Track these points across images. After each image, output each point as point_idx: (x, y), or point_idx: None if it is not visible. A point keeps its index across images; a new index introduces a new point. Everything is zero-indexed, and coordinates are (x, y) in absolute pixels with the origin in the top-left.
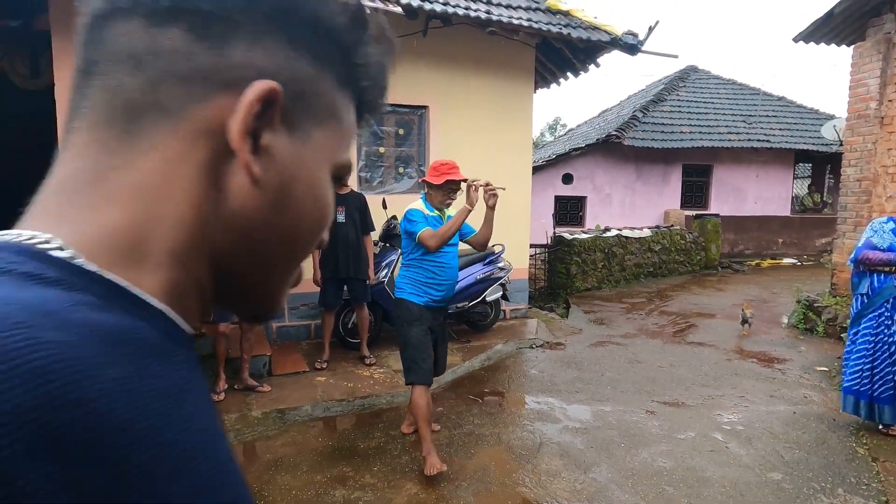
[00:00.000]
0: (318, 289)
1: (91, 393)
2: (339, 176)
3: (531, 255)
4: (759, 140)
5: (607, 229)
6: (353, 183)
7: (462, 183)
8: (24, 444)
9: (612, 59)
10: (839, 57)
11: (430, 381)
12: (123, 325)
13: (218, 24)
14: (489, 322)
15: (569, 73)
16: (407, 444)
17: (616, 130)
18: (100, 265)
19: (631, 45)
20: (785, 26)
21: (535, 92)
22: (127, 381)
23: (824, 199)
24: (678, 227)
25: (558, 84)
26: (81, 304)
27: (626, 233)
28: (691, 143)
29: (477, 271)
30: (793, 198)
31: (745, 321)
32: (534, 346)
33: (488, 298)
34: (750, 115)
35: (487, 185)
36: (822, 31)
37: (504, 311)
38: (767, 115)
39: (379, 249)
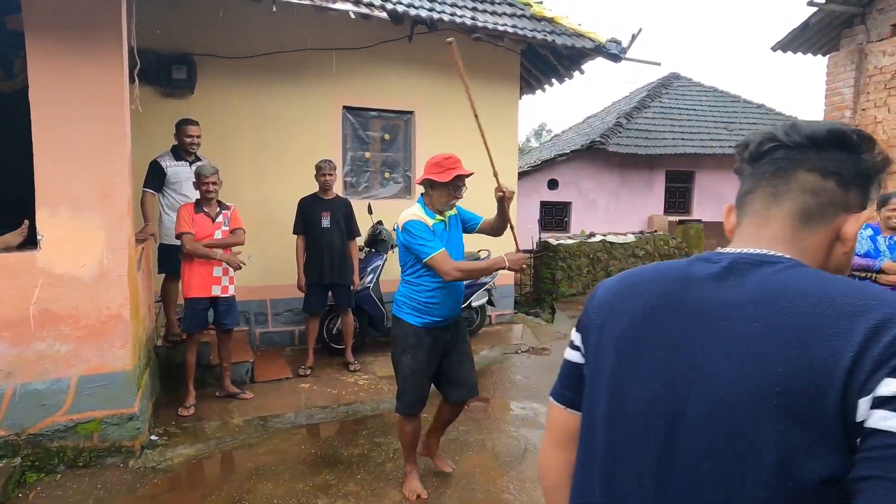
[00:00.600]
0: (303, 294)
1: None
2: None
3: None
4: None
5: (592, 235)
6: (338, 188)
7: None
8: None
9: (596, 66)
10: (816, 66)
11: (416, 413)
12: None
13: (848, 181)
14: (475, 328)
15: (554, 80)
16: (391, 452)
17: (600, 136)
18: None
19: (614, 53)
20: (764, 35)
21: (520, 98)
22: None
23: None
24: (662, 233)
25: (543, 90)
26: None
27: (610, 238)
28: (674, 150)
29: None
30: None
31: None
32: (519, 351)
33: (474, 304)
34: (731, 122)
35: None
36: (799, 40)
37: (489, 316)
38: (748, 123)
39: (364, 255)
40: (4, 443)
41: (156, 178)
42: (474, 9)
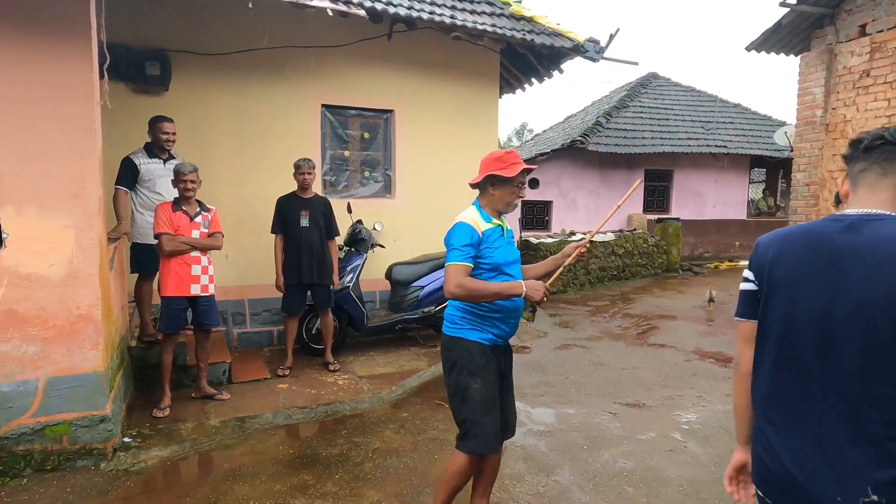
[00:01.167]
0: (281, 294)
1: None
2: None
3: None
4: (717, 146)
5: (573, 233)
6: (317, 187)
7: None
8: None
9: (575, 66)
10: (790, 66)
11: (498, 450)
12: None
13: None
14: None
15: (533, 79)
16: (370, 452)
17: (581, 136)
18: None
19: (592, 53)
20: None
21: (500, 97)
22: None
23: (777, 202)
24: (641, 231)
25: (523, 89)
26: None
27: None
28: (653, 149)
29: (443, 275)
30: (749, 202)
31: (711, 300)
32: None
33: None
34: (708, 122)
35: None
36: (772, 41)
37: None
38: (724, 122)
39: (344, 254)
40: None
41: (129, 176)
42: (453, 7)
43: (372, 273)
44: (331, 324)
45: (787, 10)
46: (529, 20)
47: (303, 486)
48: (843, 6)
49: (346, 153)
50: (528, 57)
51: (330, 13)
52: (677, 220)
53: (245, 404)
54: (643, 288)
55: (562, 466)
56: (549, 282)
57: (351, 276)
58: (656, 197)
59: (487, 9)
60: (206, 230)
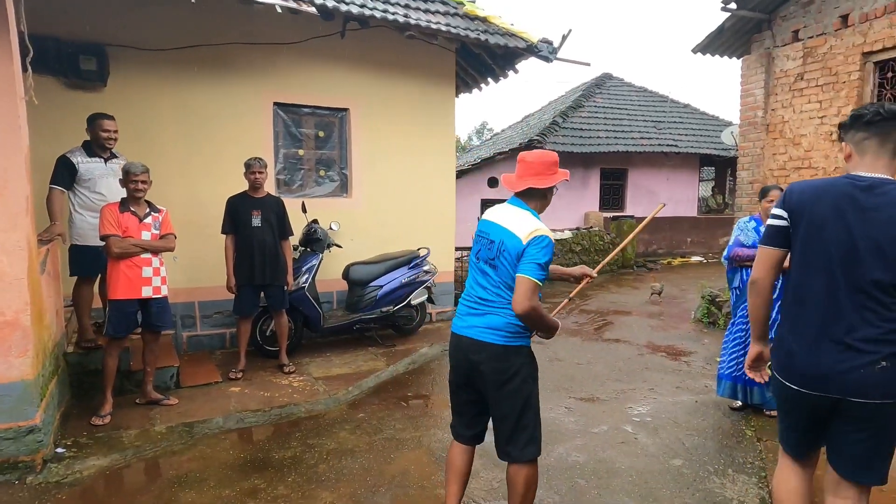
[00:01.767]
0: (233, 296)
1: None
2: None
3: (457, 258)
4: (668, 145)
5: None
6: (270, 186)
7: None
8: None
9: (532, 66)
10: (735, 67)
11: None
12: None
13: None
14: (414, 326)
15: (489, 79)
16: (324, 453)
17: (538, 135)
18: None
19: (545, 53)
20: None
21: (457, 96)
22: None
23: (726, 200)
24: (597, 229)
25: (479, 89)
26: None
27: None
28: (607, 148)
29: (402, 275)
30: (699, 199)
31: (657, 292)
32: None
33: (413, 302)
34: (660, 122)
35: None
36: (716, 44)
37: (430, 314)
38: (675, 122)
39: (299, 254)
40: None
41: (65, 174)
42: (407, 6)
43: (329, 273)
44: (285, 325)
45: (729, 14)
46: (484, 20)
47: (253, 490)
48: (779, 12)
49: (301, 152)
50: (483, 57)
51: (279, 10)
52: (632, 217)
53: (194, 409)
54: (599, 284)
55: None
56: (554, 312)
57: (307, 276)
58: (611, 195)
59: (441, 8)
60: (157, 231)
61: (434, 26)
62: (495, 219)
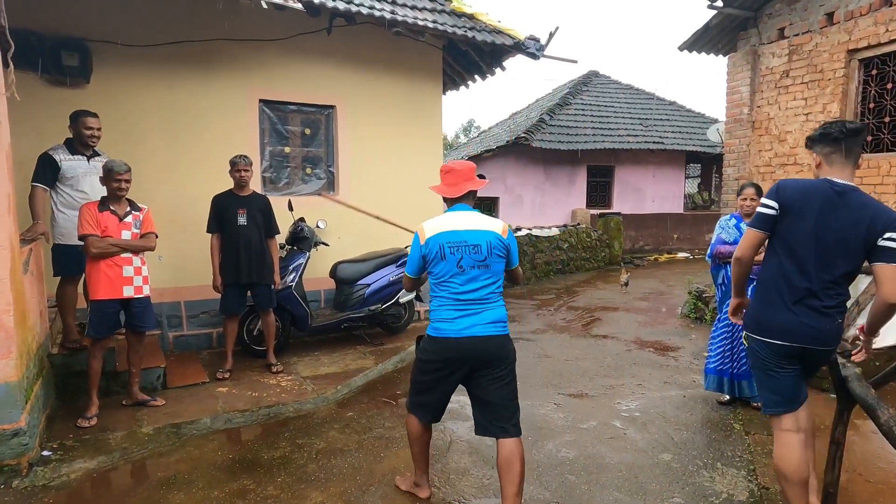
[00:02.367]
0: (219, 295)
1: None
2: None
3: None
4: (654, 142)
5: (518, 229)
6: (256, 184)
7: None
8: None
9: (519, 63)
10: (721, 65)
11: None
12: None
13: (860, 149)
14: (402, 324)
15: (476, 76)
16: (314, 452)
17: (525, 132)
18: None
19: (533, 50)
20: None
21: (444, 93)
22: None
23: (712, 196)
24: (584, 226)
25: (467, 86)
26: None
27: (536, 232)
28: (594, 145)
29: (390, 273)
30: (685, 196)
31: (623, 283)
32: None
33: (401, 300)
34: (646, 119)
35: None
36: (702, 41)
37: (418, 311)
38: (661, 119)
39: (286, 253)
40: None
41: (48, 172)
42: (394, 2)
43: (316, 272)
44: (273, 324)
45: (715, 12)
46: (471, 17)
47: (243, 490)
48: (765, 10)
49: (287, 149)
50: (470, 54)
51: (265, 6)
52: (619, 214)
53: (181, 409)
54: (587, 281)
55: None
56: None
57: (294, 275)
58: (598, 192)
59: (428, 5)
60: (138, 230)
61: (421, 23)
62: (463, 226)
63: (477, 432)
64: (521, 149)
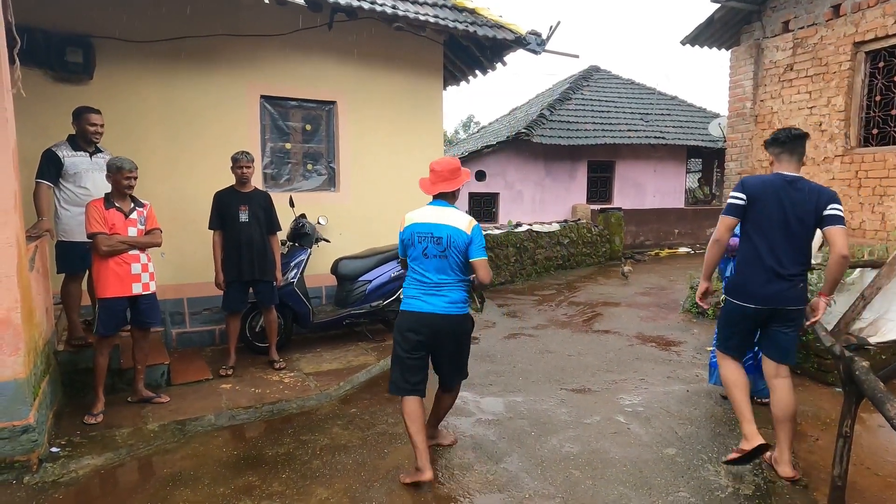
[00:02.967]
0: (222, 292)
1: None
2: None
3: None
4: (655, 137)
5: (519, 224)
6: (257, 180)
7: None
8: None
9: (519, 59)
10: (723, 59)
11: None
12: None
13: (804, 149)
14: None
15: (477, 71)
16: (318, 449)
17: (525, 128)
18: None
19: (534, 45)
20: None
21: (444, 89)
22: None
23: (713, 191)
24: (585, 221)
25: (467, 81)
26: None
27: (536, 227)
28: (595, 140)
29: (391, 269)
30: (686, 191)
31: (624, 275)
32: None
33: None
34: (647, 114)
35: None
36: (705, 35)
37: None
38: (662, 114)
39: (287, 249)
40: None
41: (51, 169)
42: None
43: (317, 268)
44: (275, 321)
45: (718, 5)
46: (472, 12)
47: (248, 487)
48: (769, 3)
49: (288, 146)
50: (471, 49)
51: (266, 0)
52: (619, 209)
53: (186, 406)
54: (588, 276)
55: (510, 454)
56: None
57: (295, 271)
58: (599, 188)
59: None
60: (143, 227)
61: (422, 18)
62: (433, 219)
63: (440, 390)
64: (522, 144)
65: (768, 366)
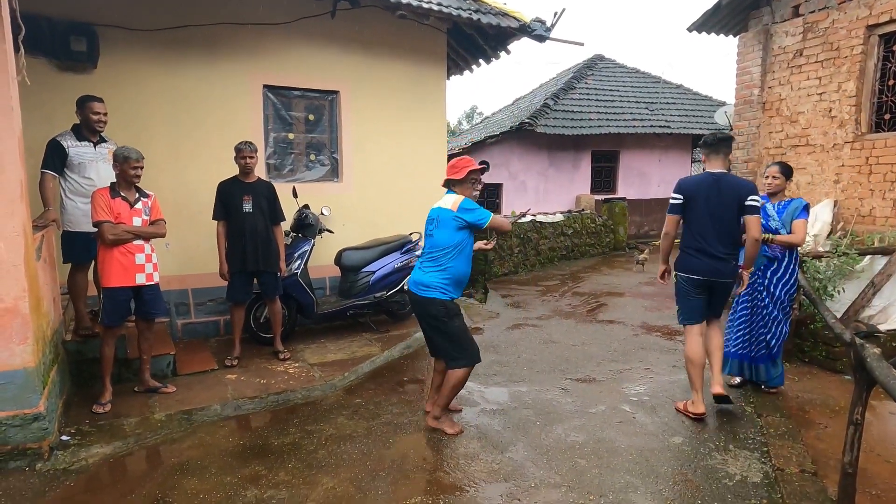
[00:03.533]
0: (226, 283)
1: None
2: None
3: None
4: (660, 126)
5: (523, 215)
6: (260, 171)
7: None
8: None
9: (523, 47)
10: (730, 46)
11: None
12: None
13: (729, 149)
14: (408, 311)
15: (480, 60)
16: (323, 438)
17: (529, 118)
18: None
19: (539, 33)
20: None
21: (448, 78)
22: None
23: None
24: (589, 212)
25: (471, 70)
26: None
27: (540, 218)
28: (599, 130)
29: (395, 260)
30: None
31: (640, 262)
32: None
33: (406, 287)
34: (652, 103)
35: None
36: (712, 21)
37: None
38: (667, 103)
39: (291, 240)
40: None
41: (56, 159)
42: None
43: (320, 259)
44: (279, 312)
45: None
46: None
47: (254, 476)
48: None
49: (291, 136)
50: (474, 37)
51: None
52: (623, 199)
53: (192, 396)
54: (592, 267)
55: (515, 443)
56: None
57: (298, 262)
58: (603, 178)
59: None
60: (148, 217)
61: (426, 6)
62: (436, 204)
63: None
64: (525, 134)
65: (708, 326)
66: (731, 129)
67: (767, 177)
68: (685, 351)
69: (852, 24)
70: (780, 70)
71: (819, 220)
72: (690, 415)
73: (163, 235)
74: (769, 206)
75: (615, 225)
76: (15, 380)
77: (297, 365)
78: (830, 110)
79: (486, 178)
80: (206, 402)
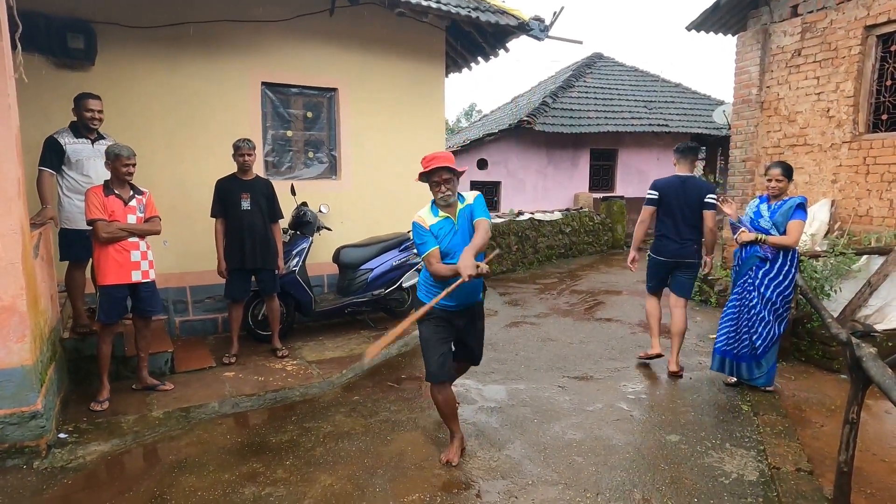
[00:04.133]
0: (224, 280)
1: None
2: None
3: None
4: (659, 125)
5: (521, 213)
6: (259, 168)
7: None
8: None
9: (521, 45)
10: (729, 46)
11: (442, 379)
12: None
13: (696, 156)
14: (406, 308)
15: (479, 58)
16: (321, 436)
17: (527, 116)
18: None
19: (537, 31)
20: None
21: (446, 76)
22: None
23: (717, 179)
24: (587, 210)
25: (469, 68)
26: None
27: (538, 216)
28: (598, 128)
29: (392, 258)
30: None
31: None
32: None
33: (405, 284)
34: (651, 101)
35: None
36: (711, 20)
37: None
38: (666, 101)
39: (289, 237)
40: None
41: (54, 156)
42: None
43: (319, 257)
44: (277, 309)
45: None
46: None
47: (252, 474)
48: None
49: (289, 133)
50: (473, 35)
51: None
52: (622, 198)
53: (190, 394)
54: (590, 265)
55: (513, 441)
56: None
57: (297, 259)
58: (601, 176)
59: None
60: (142, 214)
61: (424, 3)
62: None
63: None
64: (524, 132)
65: (673, 298)
66: (730, 128)
67: (770, 179)
68: (646, 308)
69: (850, 24)
70: (779, 70)
71: (816, 219)
72: (648, 356)
73: (158, 232)
74: (763, 206)
75: (613, 223)
76: (13, 377)
77: (295, 362)
78: (828, 110)
79: (485, 176)
80: (204, 400)
